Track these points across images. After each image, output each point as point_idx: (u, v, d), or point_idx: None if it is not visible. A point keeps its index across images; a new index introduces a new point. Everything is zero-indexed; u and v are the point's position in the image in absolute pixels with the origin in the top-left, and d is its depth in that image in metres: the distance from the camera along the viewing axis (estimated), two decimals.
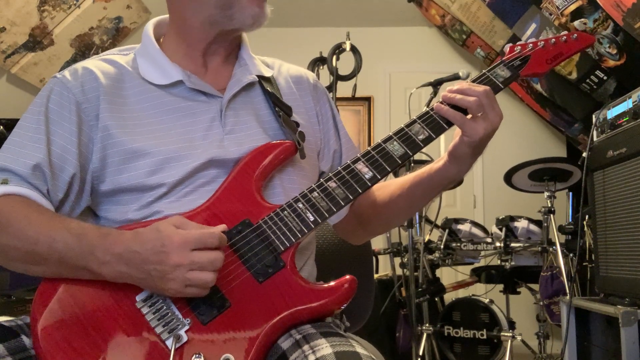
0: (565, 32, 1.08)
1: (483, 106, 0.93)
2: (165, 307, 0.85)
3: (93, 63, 1.03)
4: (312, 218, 0.92)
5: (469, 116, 0.95)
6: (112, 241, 0.84)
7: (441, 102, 0.98)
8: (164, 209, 0.94)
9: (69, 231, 0.86)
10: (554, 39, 1.06)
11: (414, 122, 0.99)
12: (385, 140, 0.98)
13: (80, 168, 0.96)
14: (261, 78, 1.07)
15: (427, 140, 0.97)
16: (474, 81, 1.01)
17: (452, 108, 0.96)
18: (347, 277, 0.89)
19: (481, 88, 0.95)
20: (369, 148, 0.98)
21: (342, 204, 0.94)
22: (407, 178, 1.05)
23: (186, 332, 0.83)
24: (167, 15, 1.10)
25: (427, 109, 0.99)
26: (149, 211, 0.94)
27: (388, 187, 1.09)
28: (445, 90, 0.98)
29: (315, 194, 0.94)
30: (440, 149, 3.96)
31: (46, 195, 0.93)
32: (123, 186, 0.95)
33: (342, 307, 0.90)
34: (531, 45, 1.05)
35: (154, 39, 1.06)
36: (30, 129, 0.95)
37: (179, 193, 0.95)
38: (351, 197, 0.94)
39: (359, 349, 0.81)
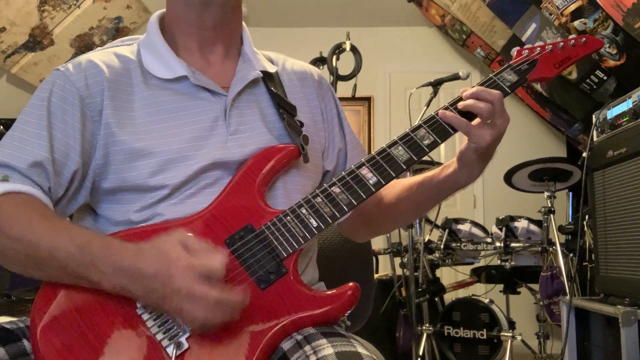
0: (574, 36, 1.06)
1: (495, 113, 0.92)
2: (166, 314, 0.84)
3: (97, 55, 1.00)
4: (315, 224, 0.91)
5: (475, 121, 0.94)
6: (115, 253, 0.82)
7: (445, 108, 0.97)
8: (165, 212, 0.92)
9: (71, 239, 0.83)
10: (562, 43, 1.04)
11: (419, 126, 0.97)
12: (390, 145, 0.96)
13: (83, 164, 0.94)
14: (265, 74, 1.05)
15: (433, 145, 0.96)
16: (481, 84, 0.99)
17: (458, 113, 0.95)
18: (351, 284, 0.88)
19: (496, 93, 0.93)
20: (373, 153, 0.96)
21: (346, 209, 0.92)
22: (415, 180, 1.04)
23: (187, 339, 0.82)
24: None
25: (433, 113, 0.98)
26: (150, 213, 0.93)
27: (394, 187, 1.07)
28: (459, 91, 0.97)
29: (318, 199, 0.93)
30: (441, 150, 3.96)
31: (47, 192, 0.91)
32: (126, 185, 0.93)
33: (346, 314, 0.89)
34: (539, 49, 1.03)
35: (160, 31, 1.04)
36: (32, 124, 0.92)
37: (181, 195, 0.93)
38: (355, 203, 0.93)
39: (360, 349, 0.80)
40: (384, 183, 0.94)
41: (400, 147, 0.96)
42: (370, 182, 0.94)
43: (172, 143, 0.94)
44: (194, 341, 0.83)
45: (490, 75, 1.01)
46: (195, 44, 1.03)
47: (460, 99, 0.97)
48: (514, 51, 1.04)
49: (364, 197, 0.93)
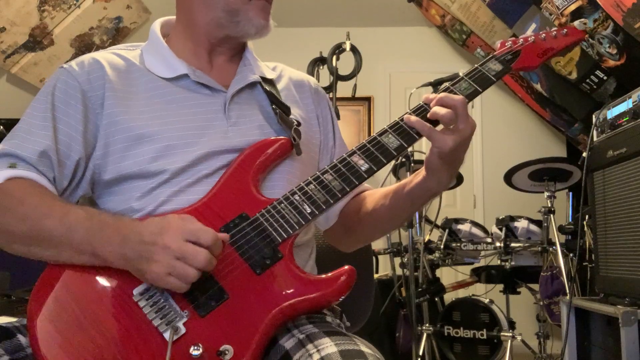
0: (556, 27, 1.09)
1: (457, 117, 0.92)
2: (162, 300, 0.85)
3: (100, 55, 1.05)
4: (309, 210, 0.93)
5: (440, 127, 0.94)
6: (123, 223, 0.85)
7: (410, 113, 0.97)
8: (166, 198, 0.94)
9: (83, 209, 0.88)
10: (544, 34, 1.07)
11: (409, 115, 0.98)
12: (381, 133, 0.98)
13: (86, 156, 0.97)
14: (263, 79, 1.10)
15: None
16: (466, 75, 1.01)
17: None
18: (346, 267, 0.89)
19: (458, 98, 0.93)
20: (364, 141, 0.98)
21: (339, 195, 0.94)
22: (390, 189, 1.05)
23: (184, 324, 0.83)
24: (173, 17, 1.12)
25: (421, 102, 0.99)
26: (151, 199, 0.95)
27: (373, 196, 1.09)
28: (423, 97, 0.98)
29: (311, 186, 0.95)
30: None
31: (52, 182, 0.94)
32: (125, 173, 0.96)
33: (341, 298, 0.90)
34: (522, 40, 1.07)
35: (161, 37, 1.08)
36: (37, 117, 0.97)
37: (182, 183, 0.95)
38: (347, 189, 0.95)
39: (363, 348, 0.81)
40: (375, 169, 0.96)
41: (390, 135, 0.97)
42: (362, 168, 0.95)
43: (173, 130, 0.98)
44: (191, 326, 0.84)
45: (476, 65, 1.03)
46: (204, 51, 1.08)
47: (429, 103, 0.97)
48: (498, 43, 1.08)
49: (357, 183, 0.95)
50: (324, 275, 0.89)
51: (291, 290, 0.87)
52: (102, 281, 0.86)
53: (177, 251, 0.79)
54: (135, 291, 0.85)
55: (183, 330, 0.83)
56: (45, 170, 0.93)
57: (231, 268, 0.88)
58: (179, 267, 0.79)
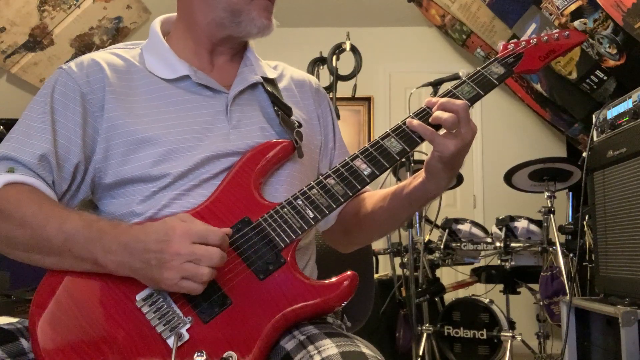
0: (558, 30, 1.09)
1: (459, 122, 0.92)
2: (165, 306, 0.85)
3: (99, 55, 1.04)
4: (311, 215, 0.92)
5: (442, 131, 0.94)
6: (121, 230, 0.84)
7: (412, 116, 0.97)
8: (168, 202, 0.94)
9: (80, 217, 0.87)
10: (546, 37, 1.07)
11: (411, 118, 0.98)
12: (383, 137, 0.98)
13: (85, 158, 0.96)
14: (265, 79, 1.09)
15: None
16: (469, 78, 1.01)
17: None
18: (349, 273, 0.89)
19: (460, 103, 0.93)
20: (366, 145, 0.98)
21: (342, 200, 0.94)
22: (389, 190, 1.06)
23: (187, 330, 0.83)
24: (174, 14, 1.11)
25: (423, 105, 0.99)
26: (153, 202, 0.94)
27: (371, 198, 1.09)
28: (425, 101, 0.98)
29: (314, 191, 0.94)
30: None
31: (51, 186, 0.93)
32: (127, 177, 0.95)
33: (344, 304, 0.90)
34: (524, 42, 1.06)
35: (162, 36, 1.07)
36: (36, 119, 0.95)
37: (183, 187, 0.95)
38: (350, 194, 0.94)
39: (364, 349, 0.81)
40: (378, 174, 0.96)
41: (392, 139, 0.97)
42: (365, 173, 0.95)
43: (174, 134, 0.97)
44: (195, 332, 0.84)
45: (478, 68, 1.03)
46: (205, 51, 1.07)
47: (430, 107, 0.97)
48: (500, 45, 1.07)
49: (359, 187, 0.95)
50: (327, 281, 0.89)
51: (294, 296, 0.87)
52: (105, 286, 0.86)
53: (189, 256, 0.79)
54: (138, 297, 0.85)
55: (186, 336, 0.83)
56: (45, 174, 0.92)
57: (234, 274, 0.88)
58: (193, 269, 0.79)
